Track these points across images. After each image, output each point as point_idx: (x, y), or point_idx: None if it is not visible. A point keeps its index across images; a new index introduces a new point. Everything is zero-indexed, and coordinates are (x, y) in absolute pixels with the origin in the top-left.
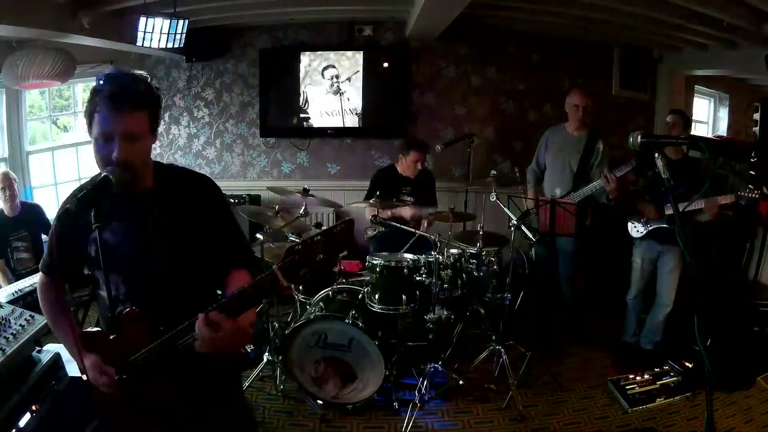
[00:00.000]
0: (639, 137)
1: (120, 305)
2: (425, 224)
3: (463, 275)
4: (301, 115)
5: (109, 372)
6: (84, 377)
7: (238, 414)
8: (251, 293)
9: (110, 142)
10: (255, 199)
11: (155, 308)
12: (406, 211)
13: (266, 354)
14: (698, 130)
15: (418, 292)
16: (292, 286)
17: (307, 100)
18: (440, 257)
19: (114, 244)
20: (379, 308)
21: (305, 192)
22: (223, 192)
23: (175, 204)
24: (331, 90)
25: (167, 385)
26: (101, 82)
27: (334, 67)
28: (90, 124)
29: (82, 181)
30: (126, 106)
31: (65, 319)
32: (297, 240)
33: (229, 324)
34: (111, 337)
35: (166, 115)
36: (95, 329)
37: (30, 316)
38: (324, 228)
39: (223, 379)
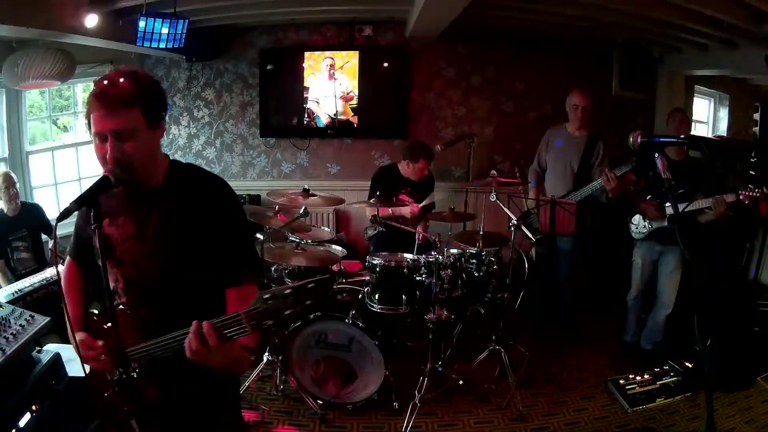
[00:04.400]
0: (639, 137)
1: (117, 299)
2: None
3: (463, 275)
4: (301, 116)
5: (97, 346)
6: (84, 372)
7: (228, 422)
8: (220, 326)
9: (105, 142)
10: (255, 199)
11: (149, 306)
12: (406, 210)
13: (266, 354)
14: (698, 130)
15: (418, 292)
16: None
17: (307, 100)
18: (440, 257)
19: (116, 238)
20: (379, 308)
21: (306, 192)
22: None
23: (183, 204)
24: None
25: (159, 386)
26: (95, 82)
27: (332, 58)
28: (89, 125)
29: (82, 182)
30: (112, 105)
31: (73, 296)
32: (297, 240)
33: (217, 345)
34: (105, 326)
35: (167, 115)
36: (96, 312)
37: (30, 316)
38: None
39: (217, 387)
